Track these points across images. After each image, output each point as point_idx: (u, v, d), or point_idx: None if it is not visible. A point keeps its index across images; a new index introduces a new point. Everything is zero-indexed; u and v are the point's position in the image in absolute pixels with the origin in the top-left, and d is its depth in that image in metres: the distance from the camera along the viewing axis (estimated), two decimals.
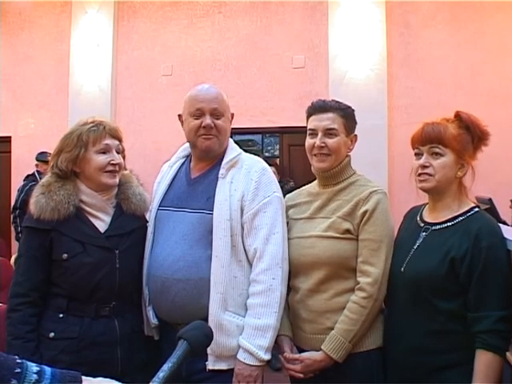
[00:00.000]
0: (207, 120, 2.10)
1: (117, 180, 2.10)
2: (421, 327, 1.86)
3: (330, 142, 2.10)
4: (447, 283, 1.80)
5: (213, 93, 2.16)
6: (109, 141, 2.08)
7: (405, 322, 1.92)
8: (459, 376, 1.76)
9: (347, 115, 2.16)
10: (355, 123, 2.20)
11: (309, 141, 2.16)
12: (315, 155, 2.14)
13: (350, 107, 2.19)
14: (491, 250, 1.75)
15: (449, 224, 1.90)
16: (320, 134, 2.11)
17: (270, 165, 5.06)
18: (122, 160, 2.12)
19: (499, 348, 1.72)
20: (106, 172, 2.06)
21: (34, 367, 1.09)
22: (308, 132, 2.17)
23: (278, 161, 6.62)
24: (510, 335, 1.75)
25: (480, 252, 1.75)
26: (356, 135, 2.20)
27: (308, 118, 2.20)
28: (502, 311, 1.72)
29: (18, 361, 1.07)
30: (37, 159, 6.16)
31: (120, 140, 2.14)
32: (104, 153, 2.07)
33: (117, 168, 2.08)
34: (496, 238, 1.79)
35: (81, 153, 2.04)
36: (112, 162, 2.06)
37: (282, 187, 2.29)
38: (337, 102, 2.18)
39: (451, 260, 1.79)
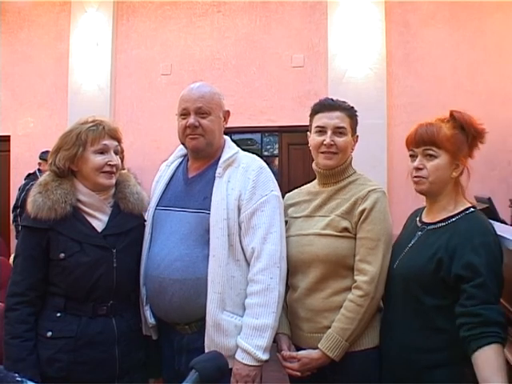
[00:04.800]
0: (191, 120, 2.10)
1: (113, 181, 2.10)
2: (410, 324, 1.86)
3: (340, 140, 2.11)
4: (434, 280, 1.79)
5: (199, 92, 2.14)
6: (107, 141, 2.07)
7: (396, 318, 1.93)
8: (449, 376, 1.74)
9: (352, 115, 2.18)
10: (357, 124, 2.21)
11: (317, 138, 2.15)
12: (322, 153, 2.14)
13: (353, 107, 2.20)
14: (486, 247, 1.72)
15: (442, 224, 1.89)
16: (329, 132, 2.11)
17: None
18: (119, 161, 2.11)
19: (505, 339, 1.65)
20: (103, 172, 2.05)
21: None
22: (316, 129, 2.16)
23: (276, 160, 6.62)
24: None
25: (475, 249, 1.72)
26: (358, 136, 2.21)
27: (313, 115, 2.20)
28: (498, 305, 1.69)
29: (18, 379, 1.05)
30: (40, 158, 6.16)
31: (119, 141, 2.13)
32: (102, 153, 2.06)
33: (114, 169, 2.08)
34: (489, 236, 1.76)
35: (79, 152, 2.03)
36: (109, 162, 2.06)
37: None
38: (343, 101, 2.19)
39: (438, 260, 1.78)
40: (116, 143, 2.11)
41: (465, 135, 1.89)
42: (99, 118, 2.12)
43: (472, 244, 1.73)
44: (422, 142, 1.89)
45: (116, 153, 2.10)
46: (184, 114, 2.13)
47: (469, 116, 1.91)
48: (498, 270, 1.72)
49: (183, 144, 2.19)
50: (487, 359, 1.61)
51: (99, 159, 2.05)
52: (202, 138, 2.11)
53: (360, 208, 2.04)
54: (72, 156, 2.04)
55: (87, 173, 2.06)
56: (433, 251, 1.82)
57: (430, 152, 1.88)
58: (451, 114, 1.92)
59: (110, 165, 2.06)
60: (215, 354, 1.36)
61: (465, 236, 1.77)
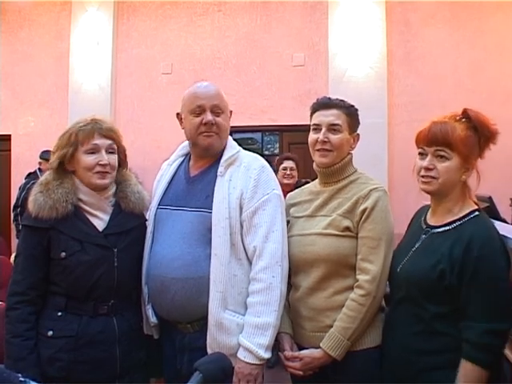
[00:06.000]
0: (208, 116, 2.08)
1: (107, 181, 2.07)
2: (411, 327, 1.85)
3: (334, 137, 2.11)
4: (436, 289, 1.77)
5: (213, 89, 2.14)
6: (98, 141, 2.04)
7: (398, 320, 1.92)
8: (447, 378, 1.73)
9: (351, 113, 2.16)
10: (358, 123, 2.20)
11: (312, 136, 2.16)
12: (318, 150, 2.14)
13: (353, 106, 2.19)
14: (481, 260, 1.70)
15: (446, 228, 1.86)
16: (324, 129, 2.11)
17: (289, 158, 5.06)
18: (113, 160, 2.08)
19: (481, 360, 1.67)
20: (96, 173, 2.03)
21: None
22: (312, 127, 2.18)
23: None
24: (501, 348, 1.71)
25: (470, 262, 1.71)
26: (358, 134, 2.20)
27: (312, 114, 2.20)
28: (489, 324, 1.67)
29: (21, 379, 1.05)
30: (40, 157, 6.16)
31: (113, 139, 2.09)
32: (93, 153, 2.04)
33: (106, 169, 2.04)
34: (489, 247, 1.72)
35: (69, 152, 2.03)
36: (100, 162, 2.03)
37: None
38: (341, 100, 2.19)
39: (441, 270, 1.76)
40: (109, 142, 2.07)
41: (477, 136, 1.83)
42: (97, 116, 2.10)
43: (470, 257, 1.71)
44: (434, 141, 1.83)
45: (111, 151, 2.08)
46: (199, 111, 2.10)
47: (483, 116, 1.85)
48: (499, 281, 1.70)
49: (194, 142, 2.15)
50: (460, 373, 1.70)
51: (90, 159, 2.03)
52: (217, 136, 2.11)
53: (361, 207, 2.03)
54: (63, 156, 2.03)
55: (81, 173, 2.05)
56: (436, 259, 1.79)
57: (442, 153, 1.82)
58: (465, 113, 1.86)
59: (101, 164, 2.03)
60: (219, 355, 1.37)
61: (466, 247, 1.73)
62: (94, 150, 2.04)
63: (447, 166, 1.82)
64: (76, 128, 2.04)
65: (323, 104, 2.16)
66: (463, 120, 1.85)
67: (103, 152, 2.05)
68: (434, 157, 1.84)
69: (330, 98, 2.19)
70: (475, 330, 1.68)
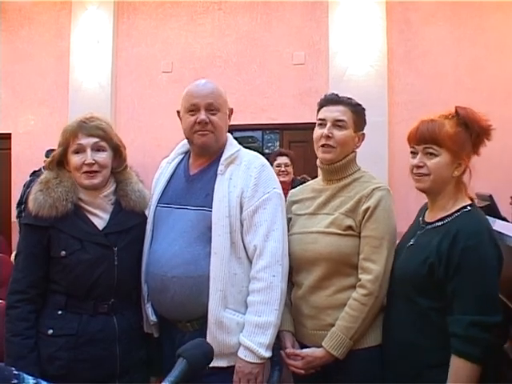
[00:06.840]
0: (202, 116, 2.07)
1: (96, 181, 2.03)
2: (409, 324, 1.85)
3: (338, 134, 2.10)
4: (427, 284, 1.79)
5: (208, 88, 2.13)
6: (83, 140, 2.01)
7: (396, 317, 1.93)
8: (446, 375, 1.72)
9: (357, 112, 2.16)
10: (364, 122, 2.20)
11: (317, 131, 2.15)
12: (321, 146, 2.13)
13: (360, 105, 2.19)
14: (467, 252, 1.71)
15: (438, 224, 1.87)
16: (329, 125, 2.11)
17: (283, 154, 4.79)
18: (101, 158, 2.03)
19: (469, 355, 1.66)
20: (83, 173, 2.01)
21: (30, 380, 1.07)
22: (317, 122, 2.17)
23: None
24: (490, 342, 1.68)
25: (455, 254, 1.72)
26: (364, 134, 2.19)
27: (319, 109, 2.20)
28: (475, 316, 1.66)
29: (15, 372, 1.05)
30: (46, 156, 6.17)
31: (100, 137, 2.04)
32: (78, 153, 2.02)
33: (93, 168, 2.01)
34: (475, 239, 1.73)
35: (58, 152, 2.04)
36: (85, 162, 2.00)
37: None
38: (349, 98, 2.19)
39: (430, 265, 1.77)
40: (95, 140, 2.03)
41: (469, 133, 1.85)
42: (95, 114, 2.09)
43: (456, 249, 1.73)
44: (422, 139, 1.86)
45: (98, 149, 2.04)
46: (193, 110, 2.10)
47: (473, 112, 1.87)
48: (485, 273, 1.70)
49: (189, 141, 2.16)
50: (450, 370, 1.70)
51: (76, 159, 2.02)
52: (212, 134, 2.09)
53: (364, 206, 2.02)
54: (56, 155, 2.05)
55: (72, 173, 2.04)
56: (426, 254, 1.81)
57: (431, 150, 1.85)
58: (456, 111, 1.88)
59: (87, 164, 2.00)
60: (200, 341, 1.40)
61: (453, 239, 1.75)
62: (79, 150, 2.02)
63: (436, 163, 1.85)
64: (65, 127, 2.04)
65: (330, 100, 2.17)
66: (453, 117, 1.88)
67: (88, 151, 2.02)
68: (423, 154, 1.87)
69: (337, 95, 2.19)
70: (461, 323, 1.68)
